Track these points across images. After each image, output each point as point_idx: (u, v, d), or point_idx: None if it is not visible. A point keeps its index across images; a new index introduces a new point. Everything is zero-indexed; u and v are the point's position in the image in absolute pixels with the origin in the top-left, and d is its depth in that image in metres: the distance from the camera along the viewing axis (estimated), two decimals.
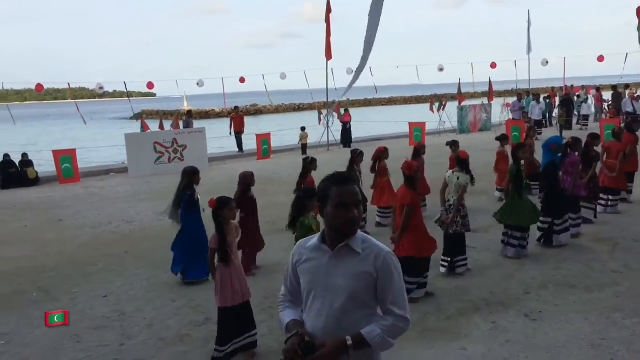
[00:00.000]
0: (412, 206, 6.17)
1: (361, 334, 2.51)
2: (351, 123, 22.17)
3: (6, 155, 16.55)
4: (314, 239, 2.67)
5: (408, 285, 6.27)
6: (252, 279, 7.14)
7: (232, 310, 4.96)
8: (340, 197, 2.53)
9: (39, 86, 20.03)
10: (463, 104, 25.77)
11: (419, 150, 9.84)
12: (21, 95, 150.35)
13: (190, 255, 7.06)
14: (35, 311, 6.42)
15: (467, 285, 6.69)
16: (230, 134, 21.32)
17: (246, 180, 7.41)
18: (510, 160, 8.44)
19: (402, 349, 5.14)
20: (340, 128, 22.07)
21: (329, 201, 2.55)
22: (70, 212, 11.93)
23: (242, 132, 21.38)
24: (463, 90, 27.21)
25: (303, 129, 20.98)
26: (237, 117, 21.46)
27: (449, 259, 7.03)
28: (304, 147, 20.68)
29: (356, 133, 25.36)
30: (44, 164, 17.43)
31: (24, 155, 16.77)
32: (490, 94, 26.96)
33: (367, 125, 30.14)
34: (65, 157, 16.38)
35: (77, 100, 23.26)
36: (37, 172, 16.66)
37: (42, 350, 5.40)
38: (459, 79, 26.27)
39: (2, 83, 20.18)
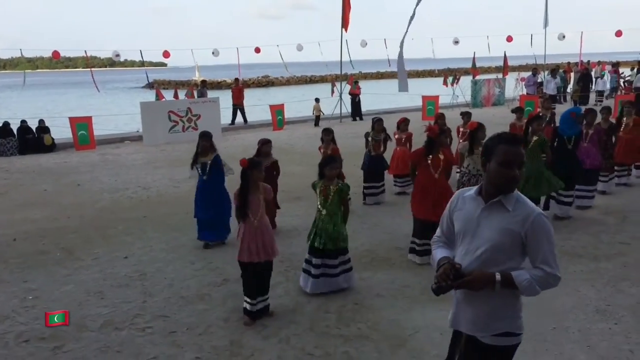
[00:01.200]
0: (414, 161, 6.49)
1: (510, 274, 2.67)
2: (361, 96, 22.15)
3: (23, 122, 16.79)
4: (472, 190, 2.85)
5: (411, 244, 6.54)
6: None
7: (248, 266, 5.15)
8: (505, 155, 2.67)
9: (55, 53, 20.13)
10: (477, 77, 25.62)
11: (437, 122, 9.96)
12: (33, 63, 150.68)
13: (210, 217, 7.28)
14: (60, 269, 6.69)
15: None
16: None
17: (264, 148, 7.64)
18: None
19: (412, 310, 5.36)
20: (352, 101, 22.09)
21: (494, 157, 2.70)
22: (88, 178, 12.18)
23: (241, 104, 20.95)
24: (478, 65, 27.02)
25: (317, 100, 21.05)
26: (236, 89, 21.19)
27: None
28: (317, 119, 20.82)
29: (369, 106, 25.35)
30: (59, 131, 17.65)
31: (41, 121, 16.99)
32: (505, 68, 26.74)
33: (380, 97, 30.02)
34: (81, 124, 16.58)
35: (90, 69, 23.28)
36: (53, 139, 16.90)
37: (68, 305, 5.65)
38: (474, 53, 26.05)
39: (21, 50, 20.25)
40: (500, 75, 26.96)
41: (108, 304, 5.71)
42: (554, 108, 19.22)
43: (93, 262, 6.94)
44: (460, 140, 9.57)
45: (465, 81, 26.21)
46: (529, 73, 23.75)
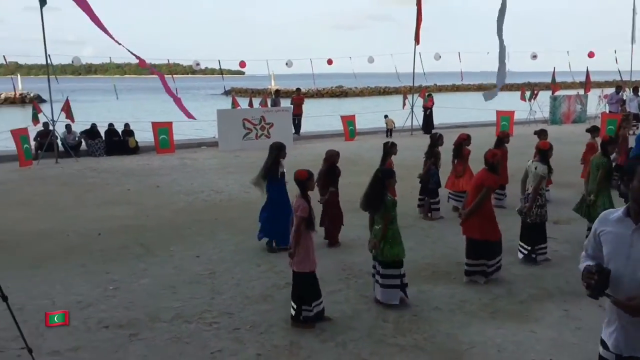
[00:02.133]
0: (491, 188, 6.42)
1: None
2: (433, 109, 22.01)
3: (110, 125, 17.97)
4: (618, 212, 2.82)
5: (466, 267, 6.51)
6: (332, 252, 7.62)
7: (310, 275, 5.39)
8: None
9: (141, 62, 21.36)
10: (557, 93, 24.83)
11: (502, 140, 9.84)
12: (121, 69, 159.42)
13: (276, 224, 7.58)
14: (139, 264, 7.21)
15: (543, 274, 6.78)
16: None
17: (332, 159, 7.85)
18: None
19: (470, 325, 5.40)
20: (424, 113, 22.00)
21: (636, 176, 2.74)
22: (167, 180, 12.90)
23: (300, 114, 20.90)
24: (558, 80, 26.16)
25: (386, 116, 21.19)
26: (297, 98, 21.30)
27: (529, 247, 7.12)
28: (390, 132, 20.96)
29: (441, 119, 25.15)
30: (143, 134, 18.72)
31: (126, 125, 18.12)
32: (587, 84, 25.75)
33: (452, 111, 29.69)
34: (162, 129, 17.55)
35: (173, 75, 24.53)
36: (137, 142, 17.97)
37: (144, 297, 6.13)
38: (554, 68, 25.28)
39: (110, 57, 21.67)
40: (582, 92, 25.98)
41: (179, 298, 6.12)
42: (637, 127, 18.39)
43: (168, 259, 7.42)
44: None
45: (544, 96, 25.44)
46: (613, 90, 22.78)
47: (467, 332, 5.27)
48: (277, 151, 7.64)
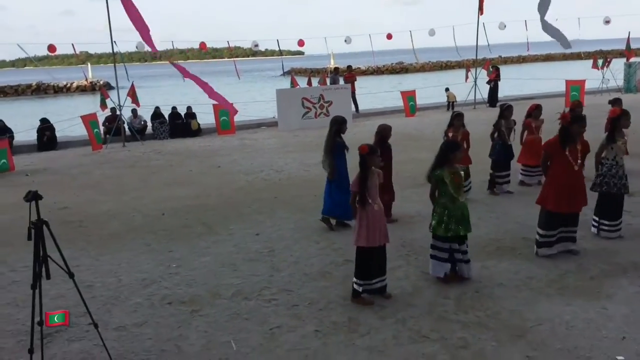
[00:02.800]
0: (548, 152, 6.09)
1: None
2: (498, 82, 21.17)
3: (174, 108, 18.44)
4: None
5: (537, 236, 6.21)
6: (391, 228, 7.40)
7: (366, 251, 5.28)
8: None
9: (202, 45, 21.80)
10: (632, 60, 23.33)
11: (574, 111, 9.31)
12: (184, 54, 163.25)
13: (337, 197, 7.50)
14: (200, 242, 7.35)
15: (616, 248, 6.39)
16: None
17: (384, 132, 7.65)
18: None
19: (537, 302, 5.16)
20: (488, 86, 21.24)
21: None
22: (227, 160, 13.10)
23: (353, 92, 20.31)
24: (633, 47, 24.56)
25: (447, 89, 20.66)
26: (348, 76, 20.97)
27: (597, 220, 6.75)
28: (451, 104, 20.48)
29: (507, 91, 24.23)
30: (204, 117, 19.09)
31: (189, 108, 18.53)
32: None
33: (519, 83, 28.53)
34: (223, 111, 17.77)
35: (234, 59, 24.82)
36: (199, 124, 18.35)
37: (205, 274, 6.23)
38: (629, 33, 23.72)
39: (172, 42, 22.14)
40: None
41: (239, 275, 6.18)
42: None
43: (228, 237, 7.52)
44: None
45: (618, 64, 23.98)
46: None
47: (533, 309, 5.03)
48: (338, 125, 7.55)
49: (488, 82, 21.02)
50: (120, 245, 7.37)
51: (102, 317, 5.17)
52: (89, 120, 15.43)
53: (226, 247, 7.12)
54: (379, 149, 7.46)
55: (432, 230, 5.64)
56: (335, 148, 7.47)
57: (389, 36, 22.84)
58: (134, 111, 17.71)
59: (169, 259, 6.76)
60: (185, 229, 7.95)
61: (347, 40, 23.42)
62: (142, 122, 17.94)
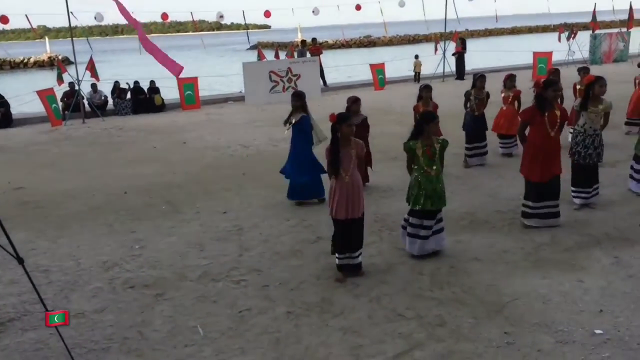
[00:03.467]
0: (525, 120, 6.01)
1: None
2: (464, 54, 21.07)
3: (136, 82, 17.75)
4: None
5: (523, 207, 6.14)
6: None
7: (339, 223, 5.09)
8: None
9: (164, 15, 21.01)
10: (597, 32, 23.50)
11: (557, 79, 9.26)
12: (147, 28, 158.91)
13: (304, 182, 7.30)
14: (165, 222, 7.03)
15: (589, 219, 6.34)
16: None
17: (350, 105, 7.45)
18: None
19: (512, 276, 5.06)
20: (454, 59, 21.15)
21: None
22: (193, 136, 12.69)
23: (320, 65, 19.45)
24: (599, 19, 24.71)
25: (416, 56, 20.57)
26: (314, 49, 20.45)
27: (576, 189, 6.70)
28: (417, 75, 20.37)
29: (475, 64, 24.19)
30: (168, 91, 18.49)
31: (152, 82, 17.86)
32: (629, 20, 24.25)
33: (487, 55, 28.53)
34: (187, 85, 17.25)
35: (198, 33, 24.08)
36: (163, 99, 17.75)
37: (171, 255, 5.95)
38: (594, 4, 23.83)
39: (132, 13, 21.26)
40: (624, 29, 24.52)
41: (207, 256, 5.92)
42: None
43: (195, 216, 7.22)
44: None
45: (584, 36, 24.13)
46: None
47: (509, 284, 4.93)
48: (303, 100, 7.28)
49: (453, 54, 20.93)
50: (80, 226, 7.00)
51: (59, 304, 4.87)
52: (46, 96, 14.71)
53: (192, 227, 6.83)
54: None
55: (408, 203, 5.49)
56: (302, 124, 7.22)
57: (358, 7, 22.39)
58: (93, 86, 16.98)
59: (131, 240, 6.44)
60: (149, 208, 7.62)
61: (315, 12, 22.93)
62: (103, 98, 17.24)
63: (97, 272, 5.60)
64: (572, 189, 6.73)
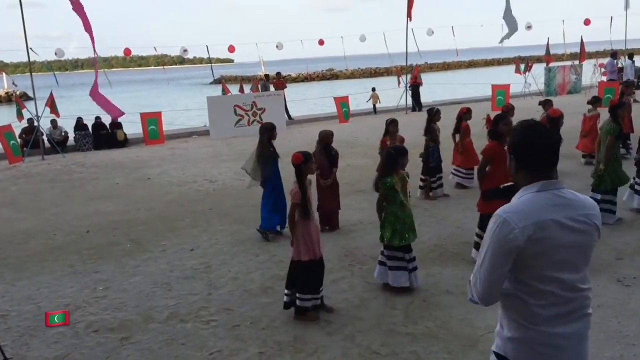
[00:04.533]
0: (488, 156, 6.02)
1: None
2: (420, 85, 21.72)
3: (97, 118, 17.48)
4: None
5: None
6: (333, 237, 7.22)
7: (305, 264, 5.01)
8: None
9: (127, 50, 20.90)
10: (551, 65, 24.42)
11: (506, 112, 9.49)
12: (108, 63, 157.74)
13: (266, 206, 7.25)
14: (129, 261, 6.83)
15: None
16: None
17: (325, 139, 7.48)
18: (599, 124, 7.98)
19: (485, 309, 5.05)
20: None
21: None
22: (157, 171, 12.48)
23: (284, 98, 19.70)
24: (553, 52, 25.73)
25: (373, 89, 21.10)
26: (278, 83, 20.67)
27: None
28: (374, 107, 20.96)
29: (436, 96, 24.77)
30: (132, 126, 18.25)
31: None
32: (581, 53, 25.31)
33: (447, 88, 29.27)
34: (151, 119, 17.05)
35: (160, 67, 24.00)
36: (125, 134, 17.50)
37: (136, 296, 5.75)
38: (548, 38, 24.83)
39: (94, 49, 21.04)
40: (576, 62, 25.56)
41: (174, 295, 5.75)
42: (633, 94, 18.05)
43: (161, 254, 7.04)
44: None
45: (539, 69, 25.03)
46: (608, 59, 22.34)
47: (482, 317, 4.92)
48: (269, 132, 7.29)
49: (409, 87, 21.40)
50: (40, 267, 6.73)
51: (18, 351, 4.62)
52: (3, 132, 14.30)
53: (158, 265, 6.65)
54: (326, 156, 7.36)
55: (387, 241, 5.41)
56: (268, 156, 7.22)
57: (321, 42, 22.79)
58: (53, 122, 16.63)
59: (94, 281, 6.21)
60: (113, 247, 7.39)
61: (279, 47, 23.18)
62: (63, 133, 16.89)
63: None
64: None
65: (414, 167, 9.14)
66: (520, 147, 2.33)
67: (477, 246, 6.22)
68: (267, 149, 7.24)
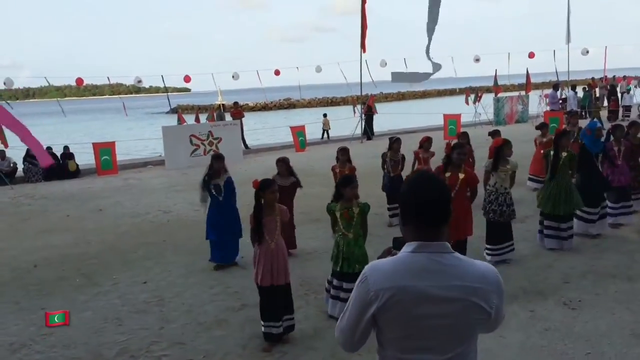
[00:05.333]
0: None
1: None
2: (373, 115, 22.32)
3: (48, 148, 17.02)
4: None
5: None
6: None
7: (264, 290, 5.03)
8: None
9: (79, 80, 20.59)
10: (499, 95, 25.35)
11: (464, 143, 9.77)
12: (61, 92, 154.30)
13: (224, 239, 7.24)
14: (79, 296, 6.63)
15: (506, 275, 6.57)
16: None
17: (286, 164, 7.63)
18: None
19: None
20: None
21: None
22: (110, 203, 12.23)
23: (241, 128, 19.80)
24: (500, 83, 26.76)
25: (325, 115, 21.56)
26: (235, 112, 20.71)
27: (491, 247, 6.98)
28: (326, 132, 21.35)
29: (389, 125, 25.27)
30: (84, 157, 17.88)
31: (65, 148, 17.25)
32: (527, 84, 26.39)
33: (400, 117, 29.92)
34: (104, 150, 16.78)
35: (115, 96, 23.75)
36: (77, 165, 17.12)
37: (85, 332, 5.58)
38: (495, 70, 25.82)
39: (46, 78, 20.71)
40: (523, 92, 26.62)
41: (125, 330, 5.61)
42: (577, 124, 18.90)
43: (112, 288, 6.88)
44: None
45: (488, 99, 25.94)
46: (551, 90, 23.38)
47: None
48: (215, 161, 7.33)
49: (361, 116, 21.86)
50: None
51: None
52: None
53: (109, 299, 6.48)
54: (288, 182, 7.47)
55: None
56: (231, 183, 7.30)
57: (277, 72, 23.03)
58: (1, 152, 16.13)
59: (41, 318, 5.94)
60: (62, 282, 7.17)
61: (235, 77, 23.27)
62: (12, 165, 16.39)
63: (3, 355, 5.14)
64: (487, 246, 7.04)
65: (374, 195, 9.31)
66: (405, 201, 2.11)
67: None
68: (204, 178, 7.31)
